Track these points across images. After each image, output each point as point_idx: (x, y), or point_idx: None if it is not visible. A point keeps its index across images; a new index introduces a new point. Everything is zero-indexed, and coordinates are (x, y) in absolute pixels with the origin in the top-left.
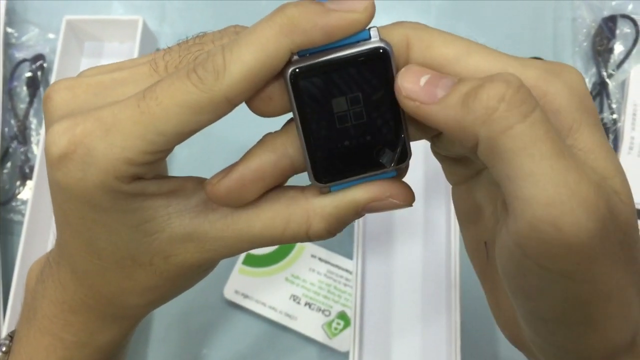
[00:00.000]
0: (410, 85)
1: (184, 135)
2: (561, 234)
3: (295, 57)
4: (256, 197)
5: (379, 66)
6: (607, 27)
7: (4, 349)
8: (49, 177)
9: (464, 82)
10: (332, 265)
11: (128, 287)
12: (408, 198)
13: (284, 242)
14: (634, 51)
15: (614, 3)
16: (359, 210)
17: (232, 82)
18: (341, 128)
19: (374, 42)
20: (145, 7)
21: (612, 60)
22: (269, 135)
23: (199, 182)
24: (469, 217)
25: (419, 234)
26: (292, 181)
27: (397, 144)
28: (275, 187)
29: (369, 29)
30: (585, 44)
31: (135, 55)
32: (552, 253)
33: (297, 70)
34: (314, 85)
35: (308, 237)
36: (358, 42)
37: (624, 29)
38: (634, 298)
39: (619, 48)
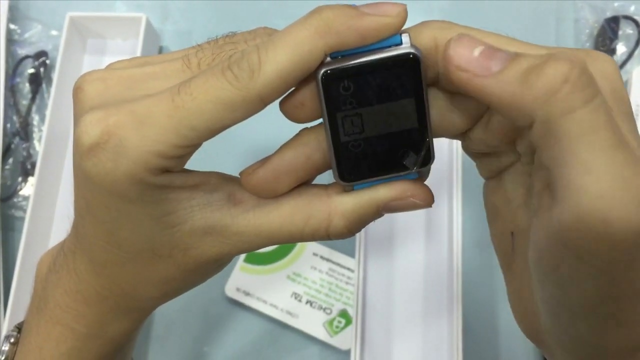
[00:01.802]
0: (463, 56)
1: (215, 131)
2: (609, 229)
3: (328, 59)
4: (288, 189)
5: (409, 71)
6: (610, 28)
7: (12, 340)
8: (75, 166)
9: (524, 58)
10: (334, 263)
11: (145, 278)
12: (428, 199)
13: (304, 240)
14: (636, 52)
15: (616, 4)
16: (380, 209)
17: (267, 81)
18: (368, 129)
19: (405, 48)
20: (147, 5)
21: None
22: (305, 130)
23: (222, 177)
24: (498, 209)
25: (421, 233)
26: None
27: (422, 148)
28: (301, 183)
29: (401, 34)
30: (587, 44)
31: (139, 53)
32: (595, 247)
33: (328, 71)
34: (344, 86)
35: (328, 235)
36: (389, 46)
37: (627, 30)
38: None
39: (621, 49)
